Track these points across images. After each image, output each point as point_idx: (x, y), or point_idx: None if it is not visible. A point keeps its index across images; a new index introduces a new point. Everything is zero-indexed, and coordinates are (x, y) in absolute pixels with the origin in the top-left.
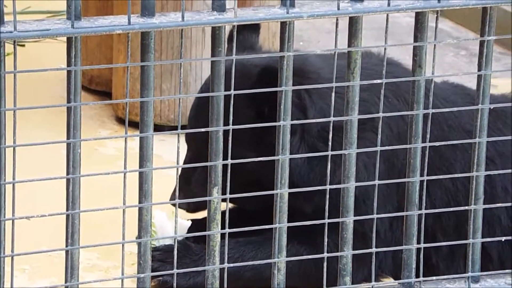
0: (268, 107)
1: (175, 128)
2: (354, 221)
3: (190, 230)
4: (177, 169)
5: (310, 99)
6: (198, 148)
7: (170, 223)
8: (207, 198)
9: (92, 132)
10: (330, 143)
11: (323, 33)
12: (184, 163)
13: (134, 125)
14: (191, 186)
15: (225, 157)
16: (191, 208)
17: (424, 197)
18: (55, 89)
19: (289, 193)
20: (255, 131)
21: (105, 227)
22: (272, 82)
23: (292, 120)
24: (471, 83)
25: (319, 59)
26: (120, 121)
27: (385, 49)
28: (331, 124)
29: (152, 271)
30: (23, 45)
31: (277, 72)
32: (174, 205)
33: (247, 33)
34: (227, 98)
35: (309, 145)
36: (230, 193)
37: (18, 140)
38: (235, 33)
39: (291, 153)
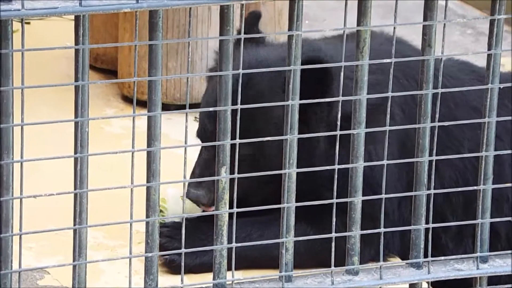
0: (311, 107)
1: (181, 106)
2: (364, 202)
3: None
4: (185, 148)
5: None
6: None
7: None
8: (215, 178)
9: (98, 111)
10: (338, 123)
11: (329, 11)
12: (198, 162)
13: (139, 103)
14: (210, 181)
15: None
16: (210, 202)
17: (433, 177)
18: (60, 67)
19: (309, 181)
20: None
21: (112, 206)
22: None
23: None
24: (478, 62)
25: (329, 46)
26: (126, 99)
27: (394, 28)
28: (340, 103)
29: (160, 246)
30: (28, 23)
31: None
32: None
33: (251, 25)
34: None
35: (330, 142)
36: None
37: (25, 119)
38: (244, 11)
39: (315, 149)
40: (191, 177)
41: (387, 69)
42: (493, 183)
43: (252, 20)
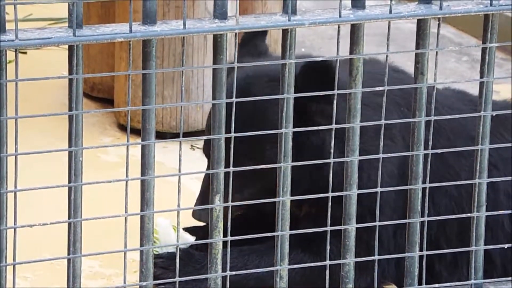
0: (315, 103)
1: (177, 135)
2: (361, 228)
3: (196, 238)
4: (179, 176)
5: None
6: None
7: (174, 231)
8: (209, 206)
9: (94, 139)
10: (332, 150)
11: (325, 39)
12: (205, 175)
13: (136, 132)
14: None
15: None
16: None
17: (427, 205)
18: (57, 96)
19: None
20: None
21: (107, 234)
22: (315, 78)
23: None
24: (474, 89)
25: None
26: (122, 128)
27: (387, 56)
28: (333, 131)
29: (155, 278)
30: (25, 53)
31: (319, 69)
32: (194, 216)
33: (257, 39)
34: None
35: (341, 141)
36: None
37: (20, 148)
38: (237, 41)
39: (326, 149)
40: (198, 196)
41: (391, 93)
42: (488, 211)
43: (258, 36)
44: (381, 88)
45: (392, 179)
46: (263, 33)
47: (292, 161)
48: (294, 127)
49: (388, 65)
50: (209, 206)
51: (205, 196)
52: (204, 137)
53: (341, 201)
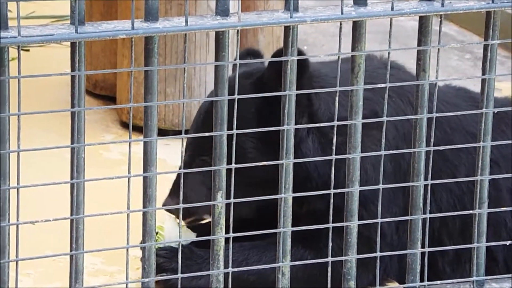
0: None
1: (179, 132)
2: (360, 224)
3: (197, 235)
4: (182, 173)
5: (316, 95)
6: (193, 151)
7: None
8: (211, 203)
9: (96, 137)
10: (334, 147)
11: (328, 36)
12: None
13: (138, 129)
14: (183, 191)
15: (229, 162)
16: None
17: (429, 200)
18: (60, 93)
19: (302, 190)
20: (262, 116)
21: (109, 231)
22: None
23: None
24: (476, 87)
25: (318, 64)
26: (125, 125)
27: (389, 53)
28: (335, 128)
29: (157, 266)
30: (28, 50)
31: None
32: (169, 211)
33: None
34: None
35: (320, 132)
36: (234, 197)
37: (23, 145)
38: (238, 37)
39: (301, 140)
40: (174, 185)
41: (378, 88)
42: (491, 208)
43: (256, 54)
44: (383, 85)
45: (385, 176)
46: (256, 55)
47: (265, 160)
48: (269, 124)
49: (383, 61)
50: (212, 202)
51: (177, 189)
52: (206, 134)
53: (324, 196)
